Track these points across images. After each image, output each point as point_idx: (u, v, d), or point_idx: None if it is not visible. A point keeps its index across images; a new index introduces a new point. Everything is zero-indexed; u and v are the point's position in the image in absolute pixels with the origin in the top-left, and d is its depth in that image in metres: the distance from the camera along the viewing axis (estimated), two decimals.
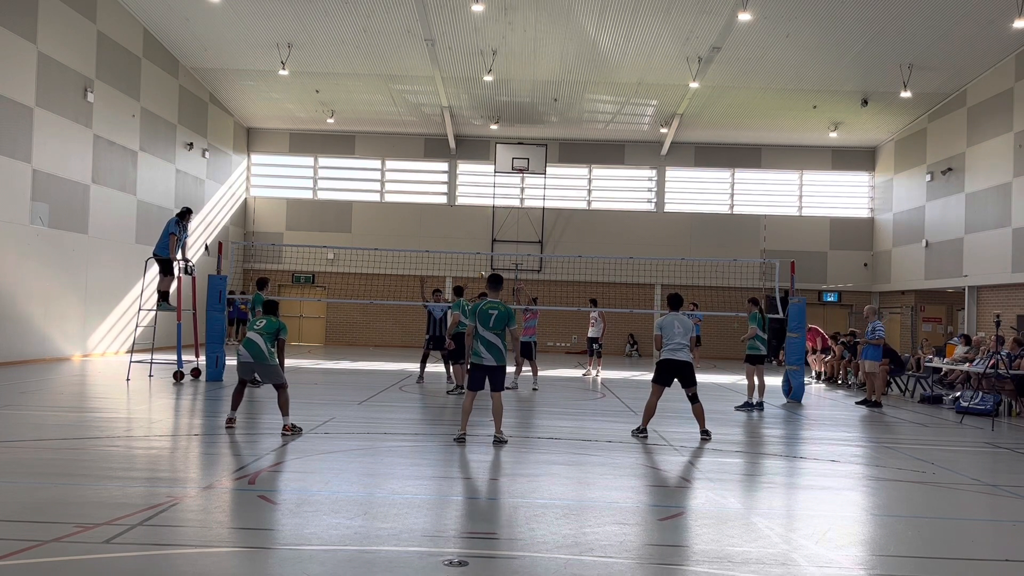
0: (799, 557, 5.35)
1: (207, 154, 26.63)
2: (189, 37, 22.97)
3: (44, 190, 18.21)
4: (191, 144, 25.35)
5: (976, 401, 13.88)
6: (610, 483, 7.62)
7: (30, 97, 17.70)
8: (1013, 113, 21.47)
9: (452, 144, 29.66)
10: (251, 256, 29.60)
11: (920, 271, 26.25)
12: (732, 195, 30.55)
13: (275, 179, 31.05)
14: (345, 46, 23.01)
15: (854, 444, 10.63)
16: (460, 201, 30.39)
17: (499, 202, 29.77)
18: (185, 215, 15.22)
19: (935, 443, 10.84)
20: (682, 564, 5.15)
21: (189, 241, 16.91)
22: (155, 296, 15.21)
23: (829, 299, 29.93)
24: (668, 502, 7.03)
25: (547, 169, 29.14)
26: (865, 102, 25.14)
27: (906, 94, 23.27)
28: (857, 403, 15.10)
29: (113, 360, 19.33)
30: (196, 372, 15.15)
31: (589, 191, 30.82)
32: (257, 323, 9.55)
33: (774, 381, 15.85)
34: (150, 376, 15.22)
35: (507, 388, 15.04)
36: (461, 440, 9.18)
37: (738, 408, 13.38)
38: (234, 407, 9.69)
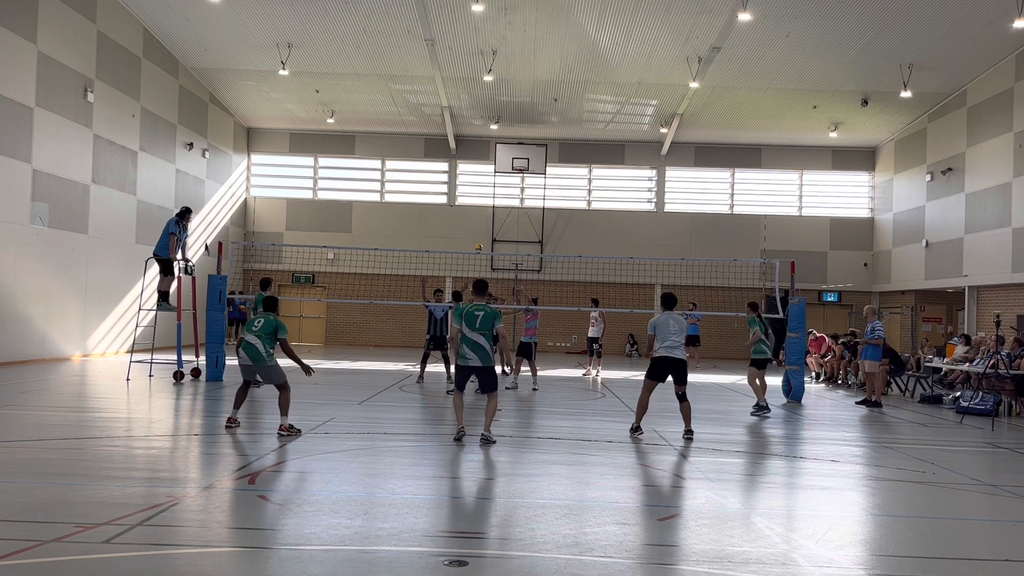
0: (799, 557, 5.35)
1: (207, 154, 26.63)
2: (189, 37, 22.97)
3: (44, 190, 18.21)
4: (191, 144, 25.35)
5: (976, 401, 13.87)
6: (610, 483, 7.62)
7: (30, 97, 17.70)
8: (1013, 113, 21.47)
9: (452, 144, 29.66)
10: (251, 256, 29.60)
11: (920, 271, 26.25)
12: (732, 195, 30.55)
13: (275, 179, 31.05)
14: (345, 46, 23.02)
15: (854, 444, 10.63)
16: (460, 201, 30.39)
17: (499, 202, 29.77)
18: (185, 215, 15.22)
19: (935, 443, 10.84)
20: (682, 564, 5.15)
21: (189, 241, 16.90)
22: (155, 296, 15.21)
23: (829, 299, 29.93)
24: (668, 502, 7.03)
25: (547, 169, 29.14)
26: (865, 102, 25.14)
27: (906, 94, 23.27)
28: (857, 403, 15.09)
29: (113, 360, 19.33)
30: (196, 372, 15.14)
31: (589, 191, 30.82)
32: (255, 323, 9.46)
33: (774, 381, 15.84)
34: (150, 376, 15.21)
35: (508, 388, 15.10)
36: (459, 439, 9.16)
37: (754, 413, 12.90)
38: (236, 406, 9.67)
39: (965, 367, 15.49)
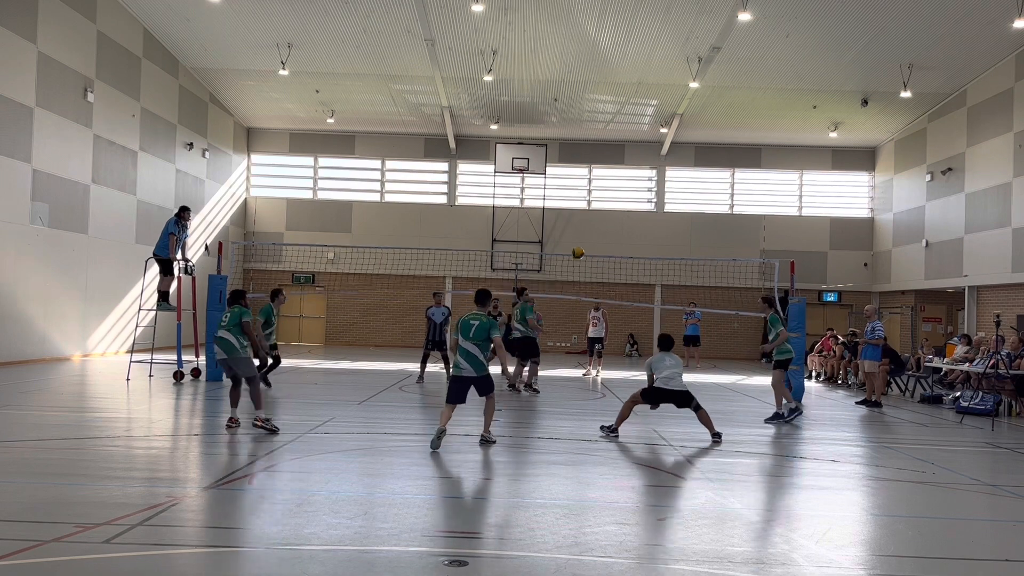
0: (799, 557, 5.35)
1: (207, 154, 26.63)
2: (189, 37, 22.97)
3: (44, 190, 18.21)
4: (191, 144, 25.35)
5: (976, 401, 13.87)
6: (610, 483, 7.62)
7: (30, 97, 17.70)
8: (1013, 113, 21.46)
9: (452, 144, 29.65)
10: (251, 256, 29.60)
11: (920, 271, 26.25)
12: (732, 195, 30.54)
13: (275, 179, 31.03)
14: (345, 46, 23.02)
15: (854, 444, 10.63)
16: (460, 201, 30.38)
17: (499, 202, 29.76)
18: (183, 214, 15.18)
19: (935, 443, 10.84)
20: (682, 564, 5.15)
21: (189, 241, 16.91)
22: (155, 296, 15.21)
23: (829, 299, 29.93)
24: (668, 502, 7.03)
25: (547, 169, 29.13)
26: (865, 102, 25.13)
27: (906, 94, 23.27)
28: (857, 403, 15.09)
29: (113, 360, 19.32)
30: (196, 372, 15.15)
31: (589, 191, 30.82)
32: (223, 318, 9.76)
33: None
34: (150, 376, 15.21)
35: (514, 389, 15.18)
36: (436, 442, 8.60)
37: (786, 419, 12.03)
38: (233, 405, 9.71)
39: (965, 367, 15.49)
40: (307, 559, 4.96)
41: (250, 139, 30.32)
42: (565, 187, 30.51)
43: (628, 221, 30.02)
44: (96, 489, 6.57)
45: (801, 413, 12.31)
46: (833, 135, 28.05)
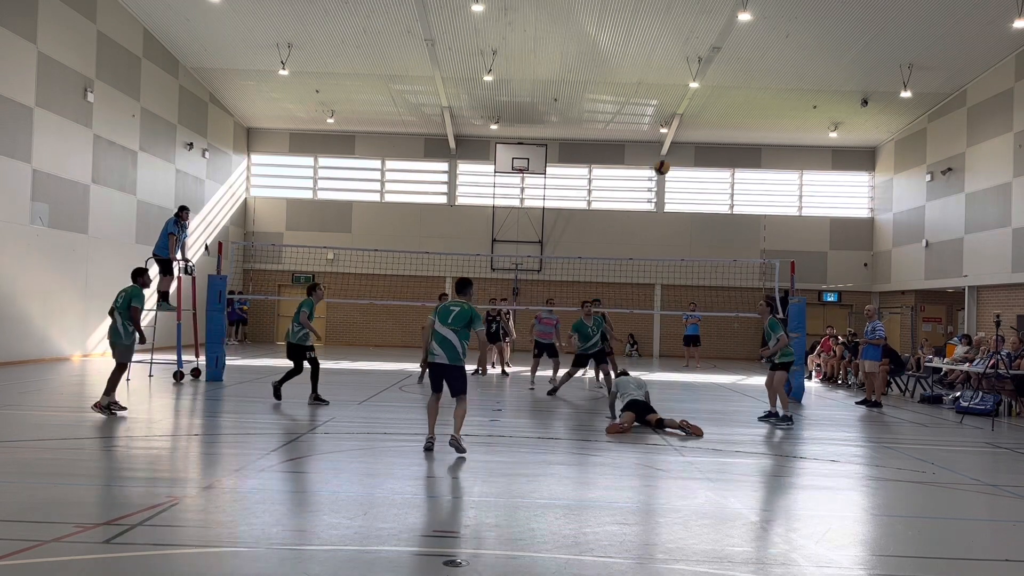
0: (799, 557, 5.35)
1: (207, 154, 26.62)
2: (189, 37, 22.97)
3: (44, 190, 18.21)
4: (191, 144, 25.35)
5: (976, 401, 13.87)
6: (610, 483, 7.62)
7: (30, 97, 17.70)
8: (1013, 113, 21.46)
9: (452, 144, 29.65)
10: (251, 256, 29.60)
11: (920, 271, 26.25)
12: (732, 195, 30.53)
13: (275, 179, 31.03)
14: (345, 46, 23.01)
15: (854, 444, 10.63)
16: (460, 201, 30.38)
17: (499, 202, 29.76)
18: (182, 214, 15.13)
19: (935, 443, 10.84)
20: (682, 564, 5.15)
21: (189, 241, 16.90)
22: (155, 296, 15.21)
23: (829, 299, 29.92)
24: (668, 502, 7.03)
25: (547, 169, 29.13)
26: (865, 102, 25.13)
27: (906, 94, 23.27)
28: (857, 403, 15.09)
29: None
30: (196, 372, 15.15)
31: (589, 191, 30.81)
32: (118, 299, 9.85)
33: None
34: (150, 376, 15.21)
35: (531, 389, 15.30)
36: (430, 449, 8.50)
37: (775, 423, 11.76)
38: (107, 392, 10.18)
39: (965, 367, 15.49)
40: (307, 559, 4.96)
41: (250, 139, 30.32)
42: (565, 187, 30.51)
43: (628, 221, 30.02)
44: (96, 489, 6.57)
45: (792, 426, 11.71)
46: (833, 135, 28.04)
